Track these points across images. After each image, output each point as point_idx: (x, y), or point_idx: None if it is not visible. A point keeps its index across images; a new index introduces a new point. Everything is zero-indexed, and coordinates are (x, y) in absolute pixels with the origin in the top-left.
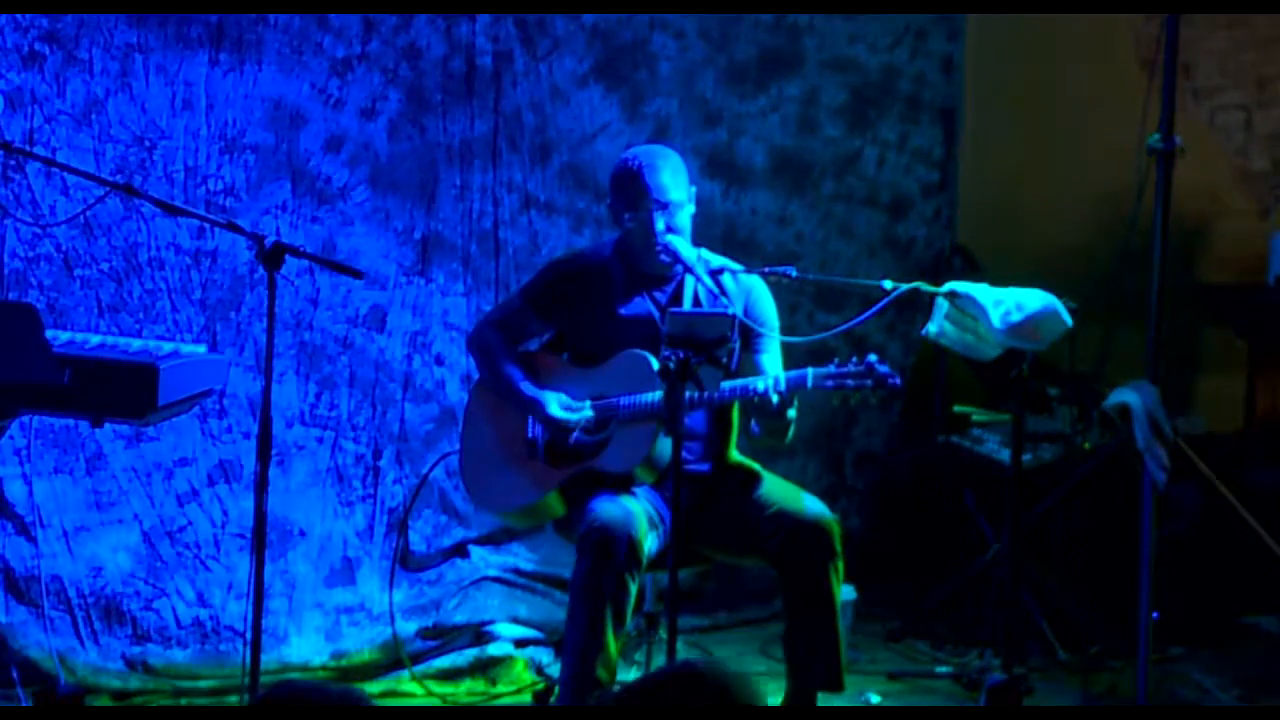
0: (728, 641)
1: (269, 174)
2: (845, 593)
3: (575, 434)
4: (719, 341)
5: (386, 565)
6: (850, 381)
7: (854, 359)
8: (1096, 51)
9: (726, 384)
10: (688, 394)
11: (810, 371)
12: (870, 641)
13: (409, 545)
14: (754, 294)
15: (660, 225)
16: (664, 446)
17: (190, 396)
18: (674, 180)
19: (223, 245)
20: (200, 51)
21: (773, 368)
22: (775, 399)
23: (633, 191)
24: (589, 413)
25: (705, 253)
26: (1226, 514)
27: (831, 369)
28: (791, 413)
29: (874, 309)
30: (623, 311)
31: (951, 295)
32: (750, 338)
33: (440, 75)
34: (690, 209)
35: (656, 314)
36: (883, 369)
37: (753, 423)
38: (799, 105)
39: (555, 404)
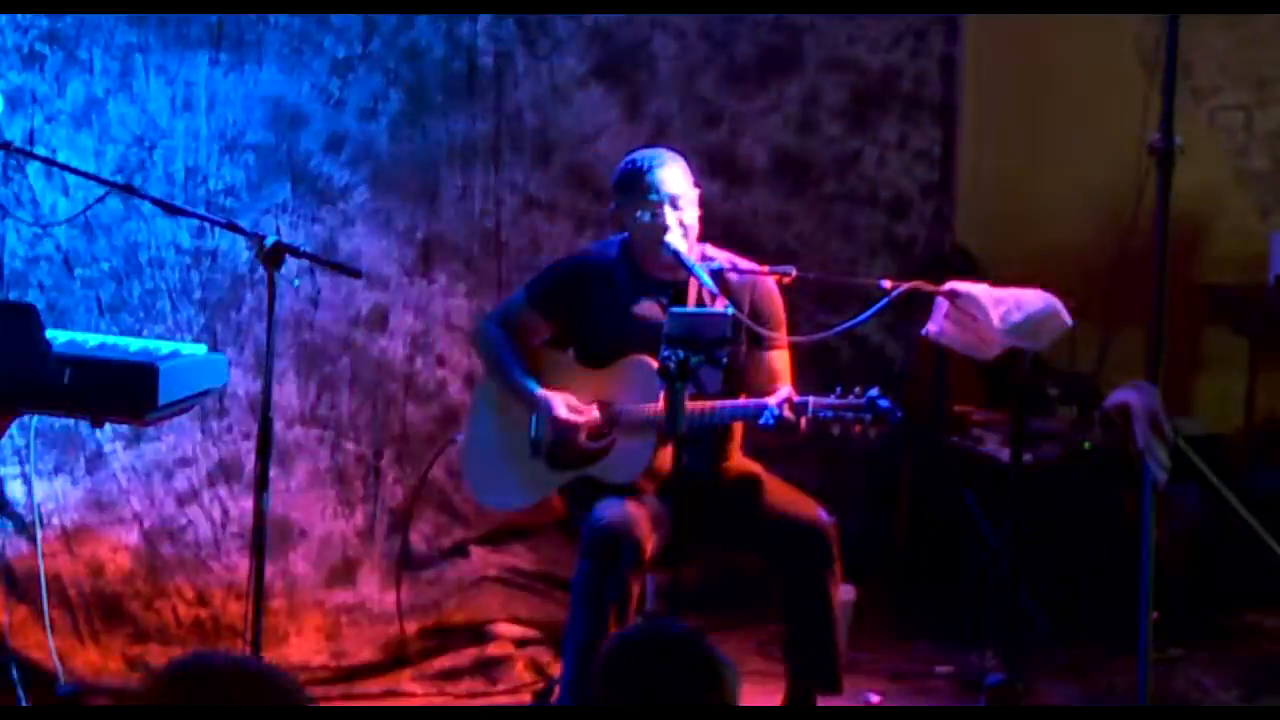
0: (727, 641)
1: (269, 174)
2: (845, 593)
3: (582, 437)
4: (719, 341)
5: (386, 565)
6: (849, 414)
7: (855, 390)
8: (1096, 51)
9: (729, 407)
10: (691, 418)
11: (811, 400)
12: (870, 641)
13: (409, 545)
14: (760, 288)
15: (671, 221)
16: (665, 457)
17: (190, 396)
18: (680, 178)
19: (223, 245)
20: (200, 51)
21: (781, 365)
22: (773, 423)
23: (641, 188)
24: (595, 415)
25: (711, 255)
26: (1227, 514)
27: (832, 399)
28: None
29: (874, 309)
30: (629, 313)
31: (951, 295)
32: (756, 333)
33: (441, 75)
34: (694, 209)
35: (661, 316)
36: (884, 404)
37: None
38: (799, 105)
39: (562, 405)
